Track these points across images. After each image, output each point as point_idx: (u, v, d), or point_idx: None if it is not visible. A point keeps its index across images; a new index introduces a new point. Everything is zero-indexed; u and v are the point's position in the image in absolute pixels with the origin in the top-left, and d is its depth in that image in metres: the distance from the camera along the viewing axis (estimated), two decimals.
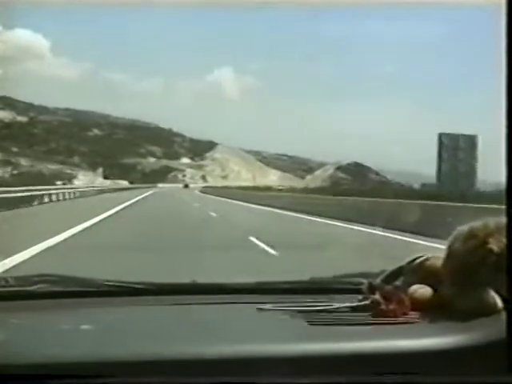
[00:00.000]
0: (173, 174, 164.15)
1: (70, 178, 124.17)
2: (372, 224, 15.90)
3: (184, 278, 1.99)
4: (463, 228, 1.58)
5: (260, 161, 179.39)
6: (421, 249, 1.89)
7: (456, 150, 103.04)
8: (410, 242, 12.93)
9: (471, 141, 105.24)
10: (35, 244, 10.24)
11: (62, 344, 1.38)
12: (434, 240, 8.47)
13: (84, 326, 1.49)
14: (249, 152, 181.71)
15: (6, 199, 22.82)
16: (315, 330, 1.48)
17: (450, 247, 1.59)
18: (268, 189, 65.61)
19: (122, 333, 1.50)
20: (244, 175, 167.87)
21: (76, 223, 15.22)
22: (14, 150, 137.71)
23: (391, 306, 1.56)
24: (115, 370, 1.31)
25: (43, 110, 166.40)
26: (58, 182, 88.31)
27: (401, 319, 1.54)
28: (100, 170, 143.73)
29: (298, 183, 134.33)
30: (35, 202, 27.58)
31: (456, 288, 1.56)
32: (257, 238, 12.53)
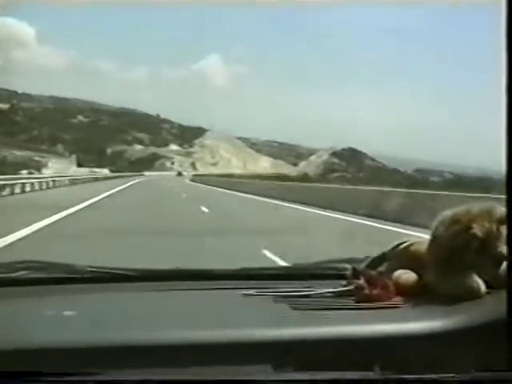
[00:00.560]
0: (160, 161, 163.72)
1: (38, 167, 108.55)
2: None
3: None
4: (447, 213, 1.64)
5: (250, 147, 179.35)
6: None
7: None
8: None
9: None
10: None
11: (46, 330, 1.42)
12: None
13: (67, 312, 1.53)
14: (238, 139, 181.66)
15: None
16: (299, 315, 1.54)
17: (433, 232, 1.65)
18: (261, 177, 63.15)
19: (105, 319, 1.55)
20: (235, 162, 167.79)
21: None
22: None
23: (375, 291, 1.62)
24: (99, 356, 1.35)
25: (27, 97, 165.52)
26: (23, 172, 75.60)
27: (385, 304, 1.60)
28: (73, 156, 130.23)
29: (291, 170, 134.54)
30: None
31: (440, 273, 1.62)
32: (272, 253, 9.37)
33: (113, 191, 34.70)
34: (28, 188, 32.12)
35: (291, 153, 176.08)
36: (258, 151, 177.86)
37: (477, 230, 1.56)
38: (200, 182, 67.11)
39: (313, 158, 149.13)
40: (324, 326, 1.46)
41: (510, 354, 1.27)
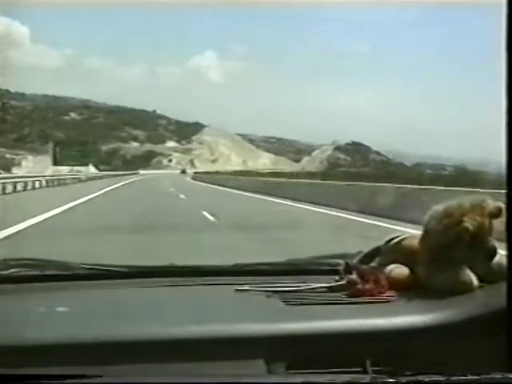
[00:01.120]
0: (157, 159, 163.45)
1: (7, 166, 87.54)
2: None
3: None
4: (439, 207, 1.72)
5: (249, 144, 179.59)
6: None
7: None
8: None
9: None
10: None
11: (38, 327, 1.49)
12: None
13: (60, 309, 1.60)
14: (236, 135, 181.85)
15: None
16: (292, 310, 1.61)
17: (425, 227, 1.73)
18: (267, 174, 59.30)
19: (98, 315, 1.61)
20: (234, 159, 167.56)
21: None
22: None
23: (368, 286, 1.70)
24: (91, 352, 1.40)
25: (20, 96, 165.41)
26: None
27: (377, 298, 1.67)
28: (49, 153, 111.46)
29: (292, 166, 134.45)
30: None
31: (432, 267, 1.70)
32: None
33: (93, 195, 26.30)
34: None
35: (290, 149, 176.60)
36: (257, 147, 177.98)
37: (468, 223, 1.63)
38: (202, 181, 62.11)
39: (316, 153, 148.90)
40: (317, 321, 1.53)
41: (508, 349, 1.31)
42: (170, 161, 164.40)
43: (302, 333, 1.49)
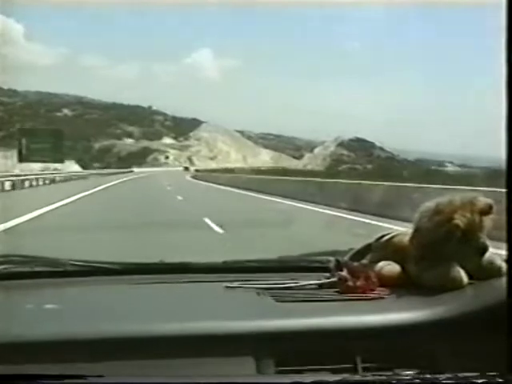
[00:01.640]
0: (153, 156, 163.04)
1: None
2: None
3: None
4: (429, 204, 1.78)
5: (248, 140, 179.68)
6: None
7: None
8: None
9: None
10: None
11: (27, 324, 1.55)
12: None
13: (49, 306, 1.66)
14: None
15: None
16: (282, 307, 1.67)
17: (416, 224, 1.80)
18: (272, 171, 55.25)
19: (88, 312, 1.68)
20: (234, 156, 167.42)
21: None
22: None
23: (358, 283, 1.76)
24: (81, 349, 1.46)
25: (12, 93, 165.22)
26: None
27: (368, 295, 1.74)
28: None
29: (293, 163, 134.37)
30: None
31: (422, 263, 1.77)
32: None
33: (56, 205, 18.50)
34: None
35: (289, 145, 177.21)
36: (255, 144, 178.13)
37: (459, 220, 1.70)
38: (203, 180, 57.05)
39: (318, 149, 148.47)
40: (307, 318, 1.59)
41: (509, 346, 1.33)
42: (167, 158, 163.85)
43: (292, 330, 1.54)
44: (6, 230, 11.21)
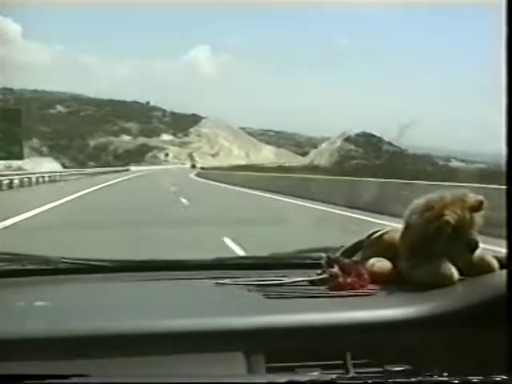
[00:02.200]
0: (152, 153, 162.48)
1: None
2: None
3: None
4: (420, 201, 1.86)
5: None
6: None
7: None
8: None
9: None
10: None
11: (18, 321, 1.60)
12: None
13: (40, 304, 1.72)
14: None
15: None
16: (273, 304, 1.74)
17: (407, 220, 1.88)
18: (284, 169, 49.68)
19: (79, 310, 1.75)
20: (236, 152, 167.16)
21: None
22: None
23: (349, 279, 1.84)
24: (72, 347, 1.51)
25: (8, 92, 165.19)
26: None
27: (359, 292, 1.81)
28: None
29: (298, 159, 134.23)
30: None
31: (413, 260, 1.84)
32: None
33: None
34: None
35: (290, 142, 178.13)
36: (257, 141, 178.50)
37: (449, 216, 1.77)
38: (208, 178, 52.11)
39: (325, 145, 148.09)
40: (298, 314, 1.66)
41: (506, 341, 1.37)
42: (167, 155, 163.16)
43: (283, 326, 1.61)
44: None
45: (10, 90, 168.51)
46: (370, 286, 1.85)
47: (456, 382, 1.33)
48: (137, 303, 1.85)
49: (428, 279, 1.80)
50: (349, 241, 2.04)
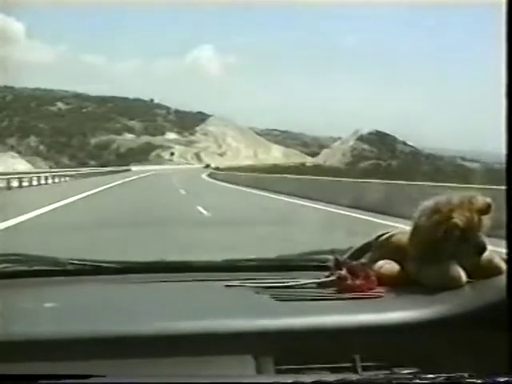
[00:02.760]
0: (156, 152, 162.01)
1: None
2: None
3: None
4: (428, 203, 1.92)
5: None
6: None
7: None
8: None
9: None
10: None
11: (27, 323, 1.66)
12: None
13: (49, 305, 1.79)
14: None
15: None
16: (282, 306, 1.80)
17: (415, 222, 1.94)
18: (300, 170, 47.06)
19: (87, 311, 1.80)
20: (244, 152, 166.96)
21: None
22: None
23: (357, 282, 1.90)
24: (80, 348, 1.56)
25: (8, 90, 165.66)
26: None
27: (367, 294, 1.87)
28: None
29: (306, 159, 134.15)
30: None
31: (421, 262, 1.90)
32: None
33: None
34: None
35: (296, 141, 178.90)
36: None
37: (457, 219, 1.83)
38: (222, 180, 48.99)
39: (337, 144, 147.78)
40: (307, 317, 1.71)
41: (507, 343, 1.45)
42: (172, 154, 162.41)
43: (292, 328, 1.66)
44: None
45: (11, 88, 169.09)
46: (378, 289, 1.90)
47: (458, 381, 1.34)
48: (145, 305, 1.91)
49: (436, 282, 1.85)
50: None
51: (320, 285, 1.97)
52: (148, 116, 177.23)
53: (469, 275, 1.87)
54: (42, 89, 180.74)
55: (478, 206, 1.86)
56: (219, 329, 1.64)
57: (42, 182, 41.88)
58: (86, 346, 1.57)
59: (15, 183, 35.21)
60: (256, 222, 14.99)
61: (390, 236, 2.05)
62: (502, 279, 1.79)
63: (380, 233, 2.08)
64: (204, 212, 18.00)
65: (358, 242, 2.14)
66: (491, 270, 1.88)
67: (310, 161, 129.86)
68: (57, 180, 46.28)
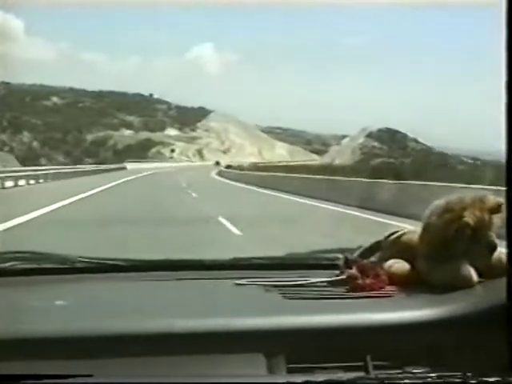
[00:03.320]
0: (156, 148, 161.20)
1: None
2: None
3: None
4: (439, 202, 1.98)
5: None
6: None
7: None
8: None
9: None
10: None
11: (35, 320, 1.71)
12: None
13: (58, 303, 1.85)
14: None
15: None
16: (292, 304, 1.87)
17: (426, 221, 2.00)
18: (313, 169, 42.26)
19: (96, 309, 1.87)
20: (248, 149, 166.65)
21: None
22: None
23: (368, 281, 1.96)
24: (89, 346, 1.61)
25: (4, 85, 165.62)
26: None
27: (377, 293, 1.93)
28: None
29: (310, 157, 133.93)
30: None
31: (432, 261, 1.97)
32: None
33: None
34: None
35: (298, 139, 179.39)
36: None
37: (469, 218, 1.90)
38: (232, 179, 46.61)
39: (346, 141, 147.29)
40: (317, 315, 1.77)
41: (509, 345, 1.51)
42: (173, 151, 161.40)
43: (302, 327, 1.72)
44: None
45: (8, 83, 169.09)
46: (388, 288, 1.96)
47: (474, 382, 1.39)
48: (155, 303, 1.97)
49: (447, 281, 1.91)
50: None
51: (330, 283, 2.03)
52: (148, 111, 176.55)
53: (480, 274, 1.93)
54: (38, 84, 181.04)
55: (490, 205, 1.92)
56: (230, 327, 1.69)
57: None
58: (94, 343, 1.62)
59: None
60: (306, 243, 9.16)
61: (401, 235, 2.11)
62: None
63: (390, 231, 2.14)
64: (232, 229, 13.98)
65: None
66: (502, 270, 1.88)
67: (316, 158, 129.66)
68: (22, 182, 36.75)
